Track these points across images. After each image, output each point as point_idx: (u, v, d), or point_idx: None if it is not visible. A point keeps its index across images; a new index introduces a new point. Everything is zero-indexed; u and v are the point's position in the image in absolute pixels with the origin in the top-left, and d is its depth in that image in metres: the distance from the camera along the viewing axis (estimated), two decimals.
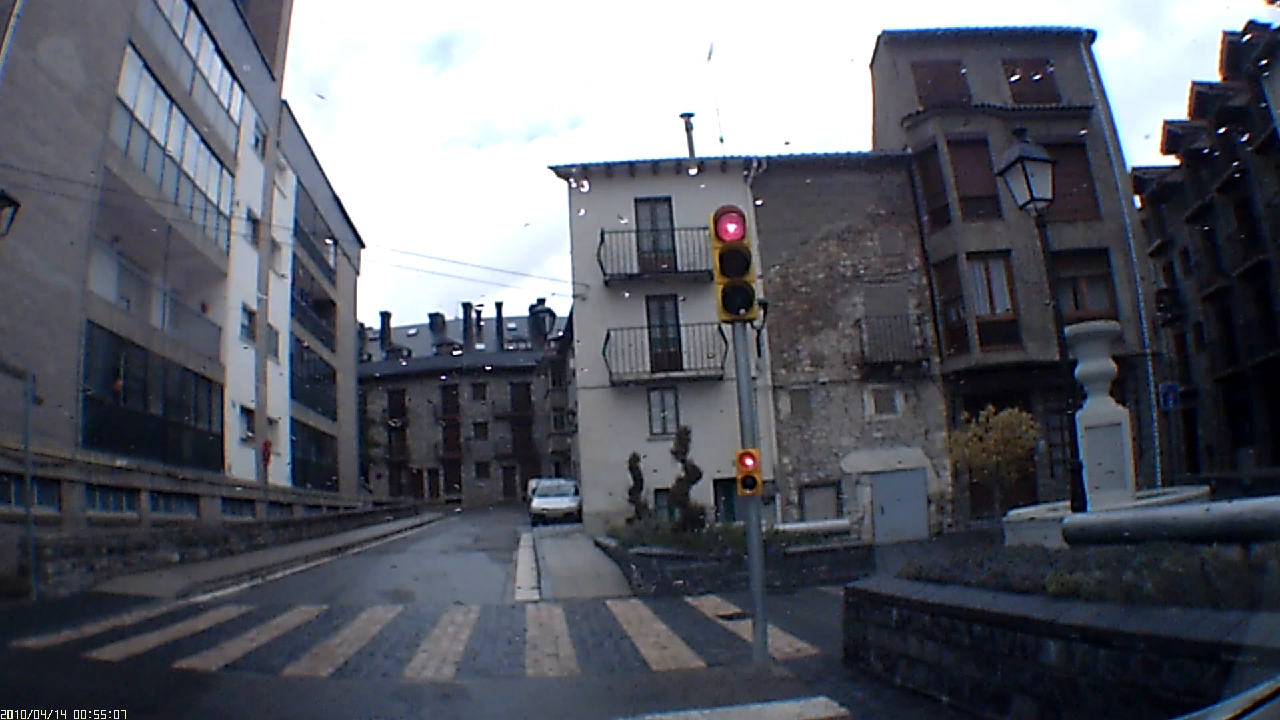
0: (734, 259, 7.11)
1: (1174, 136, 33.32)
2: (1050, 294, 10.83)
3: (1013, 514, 15.70)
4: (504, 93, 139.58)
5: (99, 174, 16.51)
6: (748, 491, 6.87)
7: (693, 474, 13.19)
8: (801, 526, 15.19)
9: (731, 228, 7.20)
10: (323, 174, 35.07)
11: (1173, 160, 34.30)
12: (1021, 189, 10.47)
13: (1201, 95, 31.33)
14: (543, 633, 8.86)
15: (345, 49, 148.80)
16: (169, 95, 19.69)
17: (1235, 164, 28.77)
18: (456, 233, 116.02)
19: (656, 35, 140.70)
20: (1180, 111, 38.23)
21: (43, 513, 13.97)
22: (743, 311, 7.04)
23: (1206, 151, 31.24)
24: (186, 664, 7.47)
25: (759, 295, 21.46)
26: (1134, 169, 27.98)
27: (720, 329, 21.64)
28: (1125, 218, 23.79)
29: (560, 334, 40.15)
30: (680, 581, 11.97)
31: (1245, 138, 27.91)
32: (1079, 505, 9.56)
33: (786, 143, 24.27)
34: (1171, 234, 35.67)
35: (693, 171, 22.64)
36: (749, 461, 6.80)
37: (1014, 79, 25.05)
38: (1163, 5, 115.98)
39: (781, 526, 15.00)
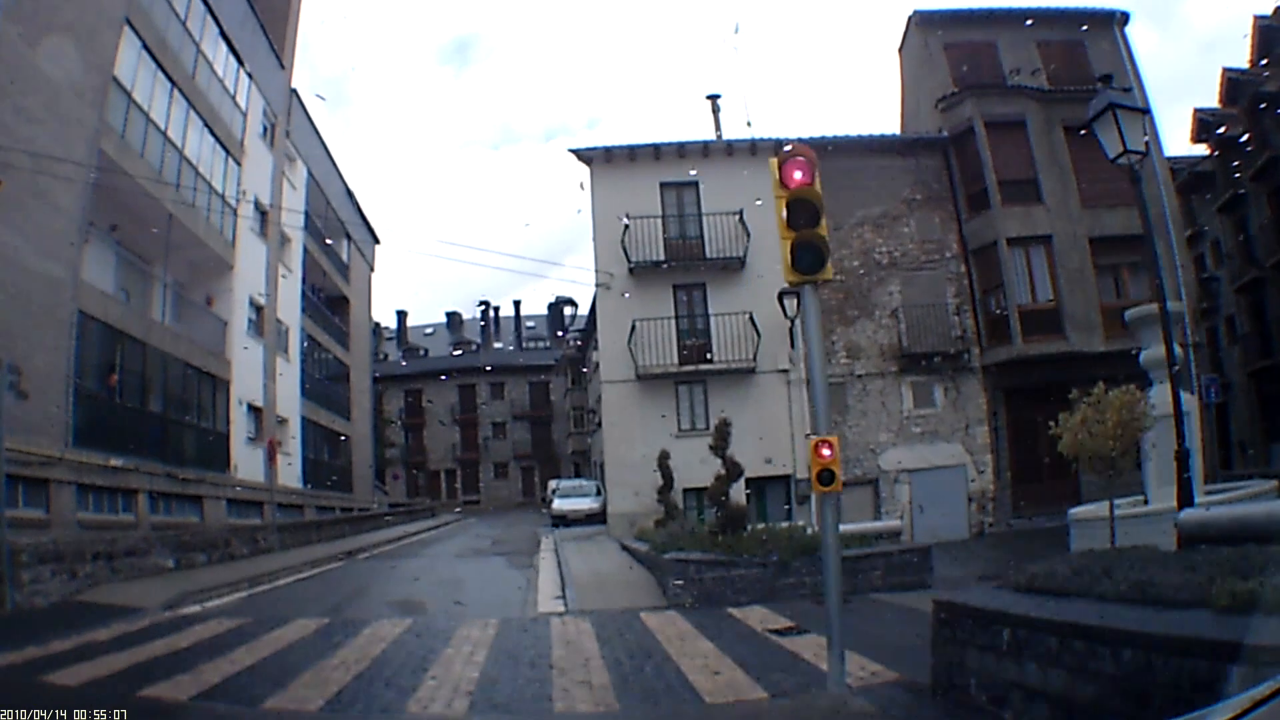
0: (802, 209, 5.91)
1: (1204, 124, 31.93)
2: (1151, 277, 9.55)
3: (1077, 511, 14.49)
4: (522, 93, 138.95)
5: (93, 157, 15.53)
6: (825, 488, 5.64)
7: (734, 471, 11.97)
8: (851, 528, 13.91)
9: (798, 174, 6.00)
10: (335, 167, 34.07)
11: (1202, 150, 33.05)
12: (1113, 140, 9.24)
13: (1233, 81, 30.02)
14: (570, 653, 7.66)
15: (362, 50, 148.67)
16: (170, 78, 18.71)
17: (1268, 152, 27.45)
18: (475, 233, 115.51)
19: (675, 29, 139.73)
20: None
21: (27, 515, 13.00)
22: (814, 270, 5.84)
23: (1238, 139, 29.90)
24: (154, 691, 6.34)
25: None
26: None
27: (751, 318, 20.52)
28: (1164, 203, 22.63)
29: (581, 328, 38.76)
30: (721, 590, 10.76)
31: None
32: (1187, 499, 8.30)
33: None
34: (1202, 225, 34.33)
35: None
36: (826, 451, 5.58)
37: (1048, 62, 23.93)
38: (1174, 3, 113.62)
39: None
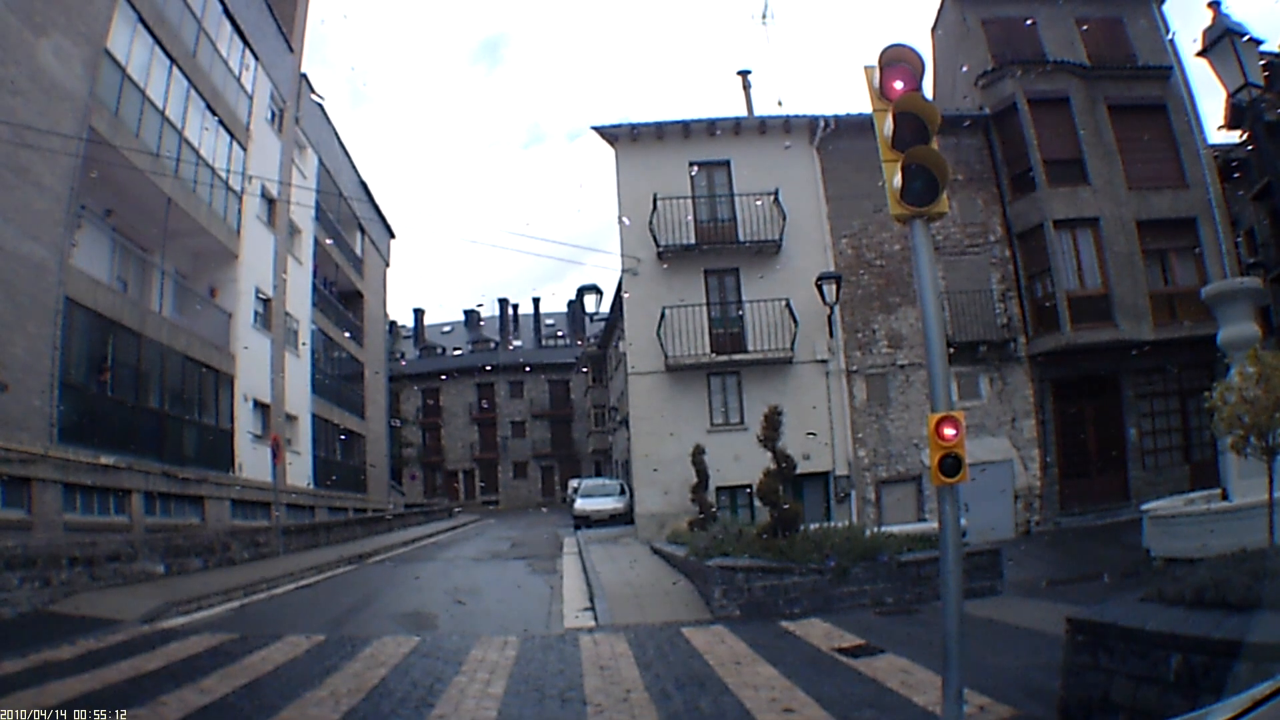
0: (908, 124, 4.63)
1: (1238, 110, 30.21)
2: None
3: (1154, 505, 13.26)
4: (549, 91, 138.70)
5: (82, 133, 14.42)
6: (949, 479, 4.34)
7: (785, 465, 10.66)
8: (911, 529, 12.65)
9: (899, 82, 4.74)
10: (349, 158, 32.91)
11: (1235, 136, 31.43)
12: (1232, 72, 7.86)
13: (1273, 65, 28.33)
14: (607, 682, 6.36)
15: (396, 48, 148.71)
16: (169, 54, 17.58)
17: None
18: (499, 232, 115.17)
19: (701, 18, 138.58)
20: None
21: (7, 516, 11.92)
22: (927, 201, 4.54)
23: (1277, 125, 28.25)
24: None
25: (828, 268, 19.00)
26: None
27: (788, 305, 19.19)
28: (1209, 186, 21.40)
29: (604, 319, 37.11)
30: (772, 601, 9.46)
31: None
32: None
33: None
34: (1236, 214, 32.75)
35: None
36: (950, 430, 4.29)
37: (1087, 39, 22.65)
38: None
39: (888, 529, 12.43)
